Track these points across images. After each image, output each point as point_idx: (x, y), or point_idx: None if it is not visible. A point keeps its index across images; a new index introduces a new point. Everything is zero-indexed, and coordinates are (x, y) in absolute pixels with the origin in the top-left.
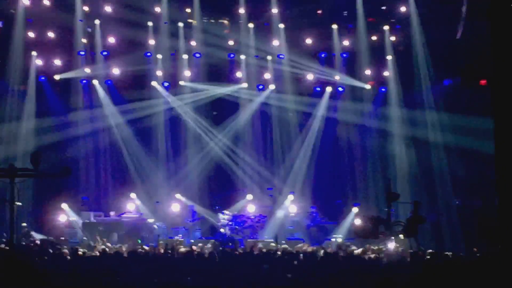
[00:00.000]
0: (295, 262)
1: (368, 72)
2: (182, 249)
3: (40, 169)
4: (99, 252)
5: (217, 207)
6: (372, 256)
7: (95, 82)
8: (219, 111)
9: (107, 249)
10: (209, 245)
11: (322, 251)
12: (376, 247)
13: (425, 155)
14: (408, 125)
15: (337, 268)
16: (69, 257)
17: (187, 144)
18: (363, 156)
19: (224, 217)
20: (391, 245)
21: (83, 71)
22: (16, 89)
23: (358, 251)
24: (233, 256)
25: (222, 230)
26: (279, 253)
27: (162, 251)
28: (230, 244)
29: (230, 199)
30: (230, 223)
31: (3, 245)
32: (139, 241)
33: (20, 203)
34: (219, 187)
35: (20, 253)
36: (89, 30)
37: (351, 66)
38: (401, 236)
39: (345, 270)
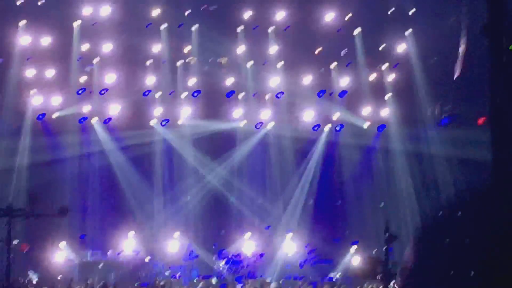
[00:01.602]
0: None
1: (367, 110)
2: None
3: (37, 208)
4: None
5: (214, 245)
6: None
7: (94, 120)
8: (217, 145)
9: None
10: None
11: None
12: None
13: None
14: (410, 159)
15: None
16: None
17: (184, 175)
18: (363, 191)
19: (221, 263)
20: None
21: (81, 109)
22: (12, 127)
23: None
24: None
25: (220, 268)
26: None
27: None
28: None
29: (228, 237)
30: (227, 264)
31: None
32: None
33: (16, 242)
34: (217, 223)
35: None
36: (88, 69)
37: (350, 104)
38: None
39: None
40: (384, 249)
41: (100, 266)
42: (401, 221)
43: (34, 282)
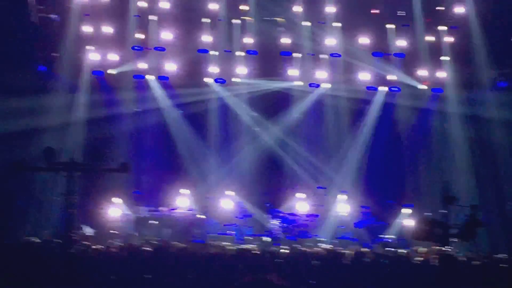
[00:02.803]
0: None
1: (423, 72)
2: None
3: (98, 164)
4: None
5: (268, 204)
6: (422, 258)
7: (149, 77)
8: (272, 105)
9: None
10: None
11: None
12: (426, 250)
13: (488, 154)
14: (467, 123)
15: (388, 269)
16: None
17: (239, 135)
18: (419, 154)
19: (275, 222)
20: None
21: (137, 66)
22: (69, 82)
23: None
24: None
25: (273, 227)
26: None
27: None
28: (280, 242)
29: (281, 196)
30: (280, 223)
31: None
32: None
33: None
34: (271, 183)
35: (72, 246)
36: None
37: (406, 66)
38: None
39: (397, 272)
40: (442, 210)
41: (155, 222)
42: (456, 184)
43: (89, 236)
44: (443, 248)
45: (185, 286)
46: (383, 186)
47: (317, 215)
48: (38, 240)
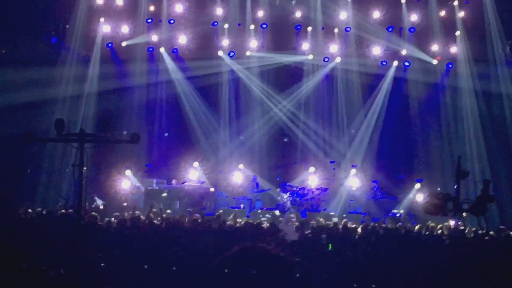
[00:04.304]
0: (356, 237)
1: (436, 47)
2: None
3: (108, 135)
4: (161, 220)
5: (278, 178)
6: (434, 233)
7: (162, 49)
8: (284, 78)
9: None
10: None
11: (382, 227)
12: (437, 224)
13: (500, 130)
14: (479, 98)
15: (398, 244)
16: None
17: (250, 108)
18: (430, 129)
19: (285, 195)
20: (453, 222)
21: (149, 39)
22: (81, 54)
23: (418, 227)
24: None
25: (284, 201)
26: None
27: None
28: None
29: (292, 171)
30: (291, 197)
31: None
32: None
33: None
34: (282, 157)
35: (83, 217)
36: None
37: (418, 40)
38: (470, 214)
39: (406, 247)
40: (455, 184)
41: (165, 194)
42: (468, 159)
43: (101, 208)
44: (454, 223)
45: (191, 257)
46: (394, 160)
47: (327, 189)
48: (48, 211)
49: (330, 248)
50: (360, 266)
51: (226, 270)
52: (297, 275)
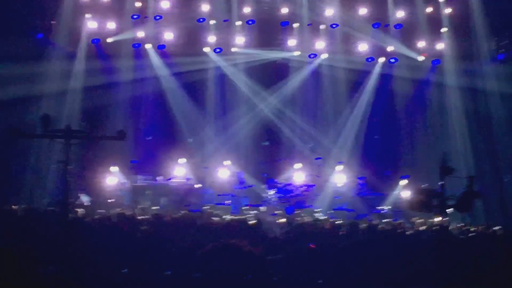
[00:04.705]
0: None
1: (422, 44)
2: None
3: (94, 131)
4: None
5: (264, 175)
6: (418, 229)
7: (148, 46)
8: (270, 75)
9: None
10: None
11: (368, 223)
12: (423, 221)
13: (486, 126)
14: (465, 95)
15: (383, 240)
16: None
17: (236, 104)
18: (416, 125)
19: (270, 192)
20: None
21: (136, 35)
22: (66, 50)
23: (402, 223)
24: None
25: (269, 198)
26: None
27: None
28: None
29: (278, 167)
30: (277, 193)
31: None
32: None
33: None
34: (268, 153)
35: (69, 213)
36: None
37: (405, 37)
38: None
39: (392, 243)
40: (439, 181)
41: (151, 191)
42: (453, 156)
43: (86, 204)
44: (439, 219)
45: (178, 255)
46: (380, 157)
47: (313, 185)
48: (34, 208)
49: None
50: (344, 263)
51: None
52: (272, 273)
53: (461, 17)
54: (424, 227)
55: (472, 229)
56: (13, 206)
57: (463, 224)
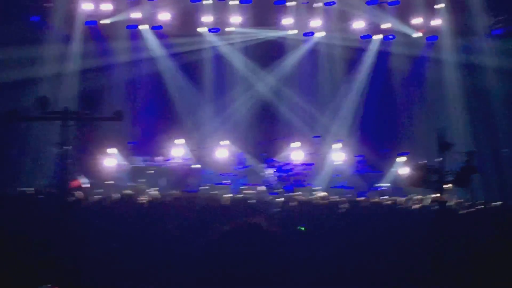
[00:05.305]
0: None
1: (418, 20)
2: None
3: (91, 112)
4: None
5: (263, 154)
6: (417, 206)
7: (144, 27)
8: (267, 54)
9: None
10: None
11: (367, 201)
12: (421, 197)
13: (483, 102)
14: (463, 71)
15: (382, 217)
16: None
17: (234, 83)
18: (414, 102)
19: (269, 171)
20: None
21: (131, 16)
22: (62, 32)
23: (402, 200)
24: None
25: (268, 177)
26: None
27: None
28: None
29: (276, 146)
30: (276, 173)
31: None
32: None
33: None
34: (266, 132)
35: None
36: None
37: (401, 14)
38: (453, 186)
39: (391, 220)
40: (438, 156)
41: (150, 172)
42: (451, 132)
43: (85, 186)
44: (438, 195)
45: (178, 234)
46: (378, 134)
47: (312, 164)
48: (32, 191)
49: (303, 229)
50: (345, 240)
51: (219, 249)
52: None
53: None
54: (423, 203)
55: (471, 204)
56: (12, 190)
57: (463, 200)
